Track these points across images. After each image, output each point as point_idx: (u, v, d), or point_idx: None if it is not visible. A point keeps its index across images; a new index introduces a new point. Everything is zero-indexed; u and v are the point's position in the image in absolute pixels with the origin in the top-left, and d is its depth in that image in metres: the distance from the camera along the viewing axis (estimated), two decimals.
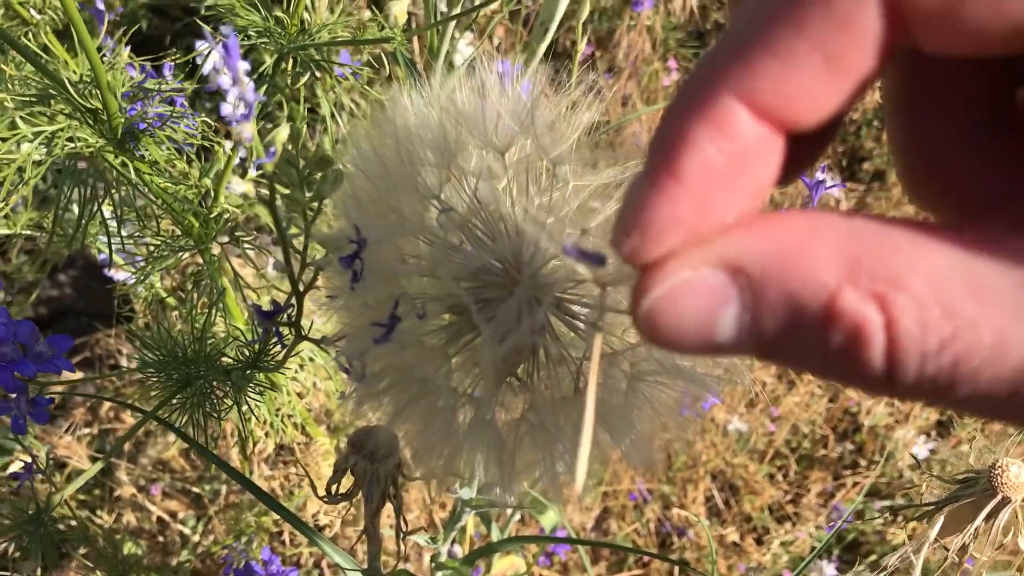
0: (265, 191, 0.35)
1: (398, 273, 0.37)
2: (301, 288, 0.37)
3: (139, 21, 1.74)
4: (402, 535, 0.44)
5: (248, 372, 0.49)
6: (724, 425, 1.63)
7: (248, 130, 0.29)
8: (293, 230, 0.38)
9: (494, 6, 1.03)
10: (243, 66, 0.89)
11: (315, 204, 0.40)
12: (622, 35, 1.43)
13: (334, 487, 0.43)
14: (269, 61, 0.53)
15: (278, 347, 0.49)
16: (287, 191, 0.37)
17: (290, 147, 0.37)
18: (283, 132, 0.31)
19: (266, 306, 0.38)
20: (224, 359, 0.54)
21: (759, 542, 1.62)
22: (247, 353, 0.48)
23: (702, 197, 0.18)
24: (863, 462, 1.69)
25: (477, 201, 0.38)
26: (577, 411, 0.39)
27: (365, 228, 0.36)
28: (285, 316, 0.40)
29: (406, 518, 0.44)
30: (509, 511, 1.12)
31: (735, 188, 0.18)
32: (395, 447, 0.40)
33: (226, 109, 0.99)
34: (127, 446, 1.35)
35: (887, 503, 1.58)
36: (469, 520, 1.10)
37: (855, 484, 1.67)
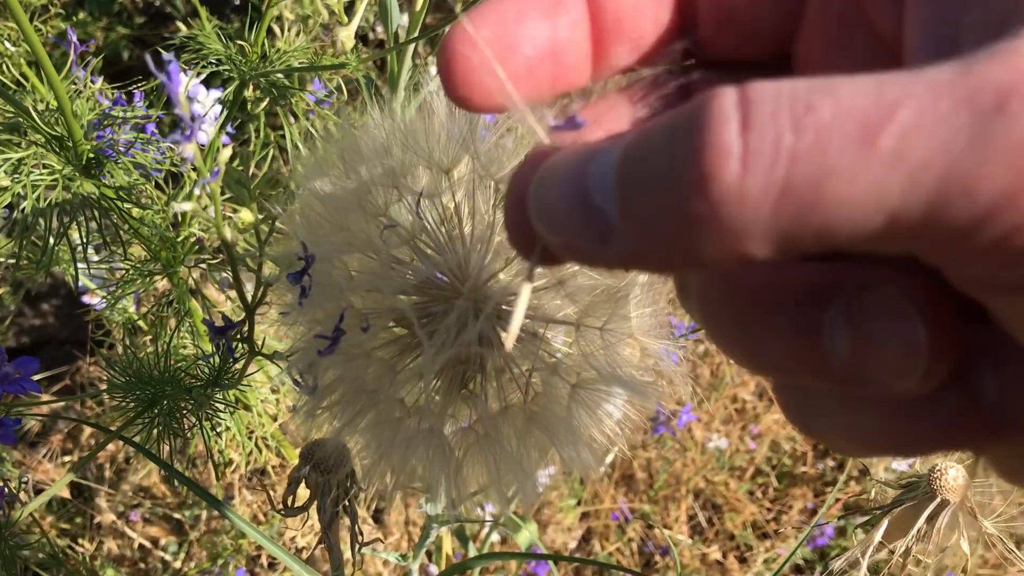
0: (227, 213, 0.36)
1: (344, 288, 0.38)
2: (252, 306, 0.39)
3: (120, 52, 1.76)
4: (358, 546, 0.45)
5: (210, 389, 0.50)
6: (704, 443, 1.64)
7: (189, 150, 0.30)
8: (245, 245, 0.39)
9: None
10: (204, 94, 0.89)
11: (266, 224, 0.41)
12: None
13: (290, 499, 0.44)
14: (229, 89, 0.55)
15: (239, 364, 0.50)
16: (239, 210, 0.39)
17: (240, 168, 0.39)
18: (226, 152, 0.32)
19: (219, 322, 0.40)
20: (188, 378, 0.55)
21: (742, 560, 1.63)
22: (207, 371, 0.49)
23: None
24: (843, 478, 1.70)
25: (420, 218, 0.40)
26: (522, 421, 0.40)
27: (313, 245, 0.38)
28: (239, 332, 0.41)
29: (362, 529, 0.45)
30: (485, 531, 1.12)
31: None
32: (345, 457, 0.41)
33: (200, 137, 1.01)
34: (108, 473, 1.35)
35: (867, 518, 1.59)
36: (447, 539, 1.10)
37: (836, 500, 1.68)
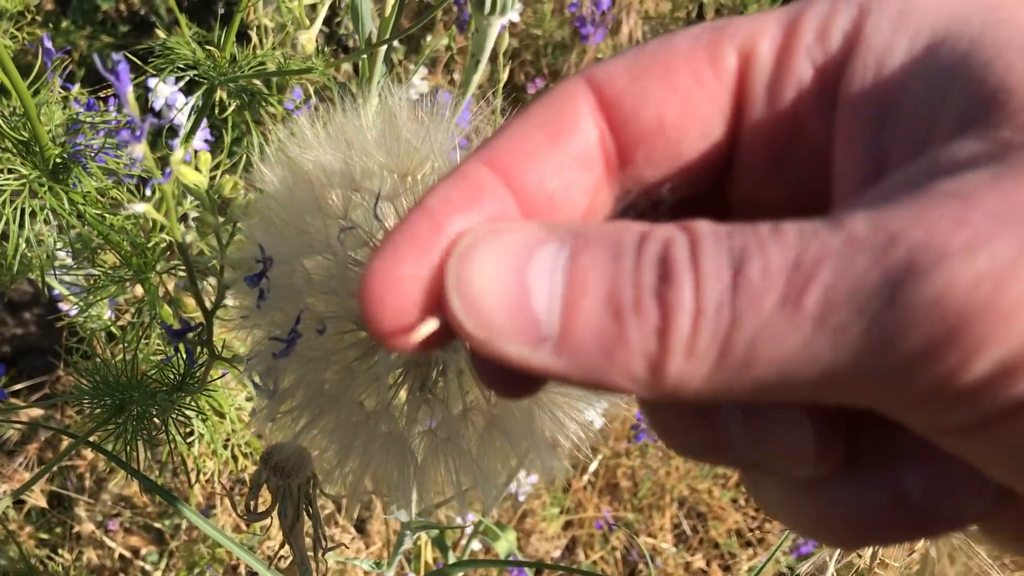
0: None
1: (302, 291, 0.38)
2: (211, 309, 0.38)
3: (104, 60, 1.76)
4: (322, 551, 0.45)
5: (175, 394, 0.49)
6: None
7: (139, 151, 0.30)
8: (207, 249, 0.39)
9: (444, 41, 1.05)
10: (183, 100, 0.89)
11: (228, 227, 0.41)
12: (570, 68, 1.46)
13: (252, 503, 0.44)
14: (197, 93, 0.55)
15: (203, 369, 0.49)
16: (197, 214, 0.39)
17: (201, 171, 0.39)
18: (179, 153, 0.32)
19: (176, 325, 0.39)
20: (156, 383, 0.54)
21: (726, 568, 1.63)
22: (172, 376, 0.49)
23: (441, 217, 0.20)
24: None
25: (379, 220, 0.40)
26: (483, 424, 0.40)
27: (270, 248, 0.38)
28: (198, 336, 0.41)
29: (325, 533, 0.45)
30: (465, 539, 1.12)
31: (470, 213, 0.21)
32: (305, 461, 0.41)
33: (176, 143, 0.99)
34: (87, 482, 1.35)
35: None
36: (426, 548, 1.10)
37: None
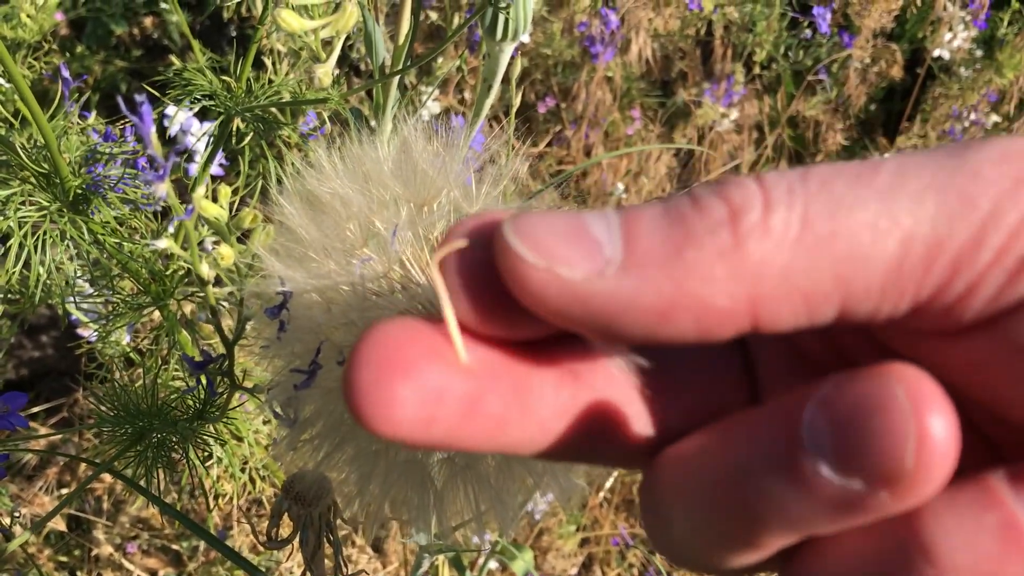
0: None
1: (322, 323, 0.39)
2: (232, 340, 0.39)
3: (118, 85, 1.78)
4: None
5: (196, 423, 0.50)
6: None
7: (162, 189, 0.31)
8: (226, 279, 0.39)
9: (455, 63, 1.06)
10: (197, 126, 0.90)
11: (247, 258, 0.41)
12: (580, 87, 1.47)
13: (273, 531, 0.44)
14: (215, 122, 0.56)
15: (223, 398, 0.50)
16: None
17: (221, 204, 0.39)
18: (200, 190, 0.33)
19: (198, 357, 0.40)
20: (176, 411, 0.55)
21: None
22: (192, 404, 0.50)
23: None
24: None
25: (397, 250, 0.40)
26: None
27: (290, 280, 0.38)
28: (219, 367, 0.41)
29: (346, 560, 0.45)
30: (482, 559, 1.12)
31: None
32: (326, 489, 0.41)
33: (192, 169, 1.00)
34: (105, 505, 1.35)
35: None
36: (443, 568, 1.10)
37: None
